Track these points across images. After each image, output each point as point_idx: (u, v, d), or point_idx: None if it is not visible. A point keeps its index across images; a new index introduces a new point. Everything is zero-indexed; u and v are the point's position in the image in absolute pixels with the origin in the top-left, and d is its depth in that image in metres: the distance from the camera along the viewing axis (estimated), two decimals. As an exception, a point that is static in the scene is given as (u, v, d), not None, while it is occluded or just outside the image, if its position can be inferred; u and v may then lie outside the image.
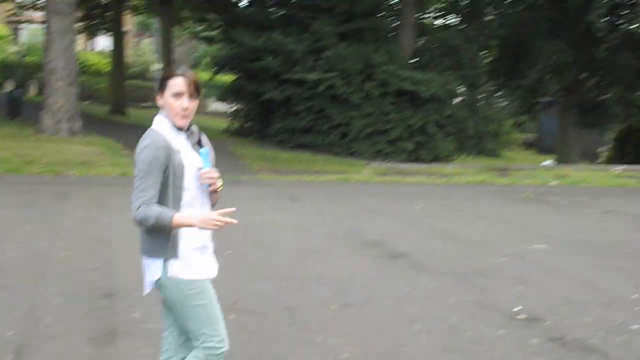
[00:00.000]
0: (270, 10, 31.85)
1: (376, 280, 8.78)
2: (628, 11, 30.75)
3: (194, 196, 4.01)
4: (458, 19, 37.22)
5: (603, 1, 28.98)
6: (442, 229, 12.52)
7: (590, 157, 37.38)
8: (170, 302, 4.05)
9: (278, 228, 12.06)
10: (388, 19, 33.44)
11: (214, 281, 4.17)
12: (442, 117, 29.66)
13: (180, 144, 4.01)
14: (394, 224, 12.97)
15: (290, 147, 28.67)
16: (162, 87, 4.01)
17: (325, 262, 9.61)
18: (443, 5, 37.41)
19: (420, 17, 34.85)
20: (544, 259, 10.32)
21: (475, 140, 32.39)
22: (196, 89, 3.99)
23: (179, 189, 3.96)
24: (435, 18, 38.38)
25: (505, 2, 34.21)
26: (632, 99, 33.26)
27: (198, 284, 4.02)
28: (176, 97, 3.97)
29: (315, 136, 29.03)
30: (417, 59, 31.61)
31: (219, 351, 4.03)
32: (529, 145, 47.66)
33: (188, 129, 4.08)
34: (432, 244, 11.15)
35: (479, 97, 33.87)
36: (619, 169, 26.21)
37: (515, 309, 7.67)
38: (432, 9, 37.62)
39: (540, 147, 45.99)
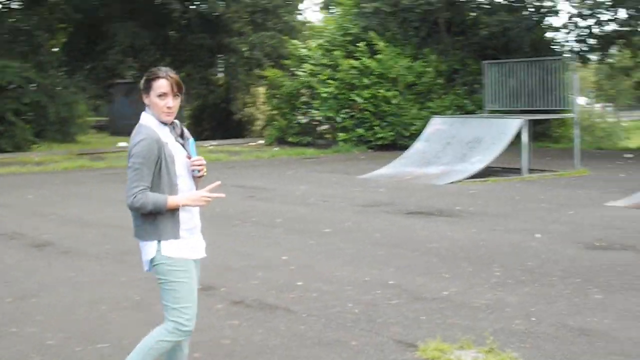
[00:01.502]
0: None
1: (37, 269, 8.55)
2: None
3: (186, 182, 4.39)
4: (21, 3, 35.84)
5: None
6: (70, 215, 12.36)
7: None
8: (161, 278, 4.36)
9: None
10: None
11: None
12: (20, 105, 28.63)
13: (166, 136, 4.34)
14: (19, 214, 12.52)
15: None
16: (147, 88, 4.32)
17: (-30, 259, 9.09)
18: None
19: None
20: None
21: (57, 126, 31.73)
22: (179, 89, 4.35)
23: (173, 176, 4.31)
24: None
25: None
26: (207, 76, 34.75)
27: (184, 263, 4.38)
28: (161, 98, 4.30)
29: None
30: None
31: (186, 328, 4.39)
32: (101, 129, 47.72)
33: (171, 123, 4.41)
34: (70, 231, 11.00)
35: (56, 82, 33.10)
36: (211, 144, 27.45)
37: (187, 281, 7.93)
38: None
39: (112, 129, 46.27)
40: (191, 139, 4.49)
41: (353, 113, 25.60)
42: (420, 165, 17.53)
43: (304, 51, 27.68)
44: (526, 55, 23.25)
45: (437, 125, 18.82)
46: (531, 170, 17.33)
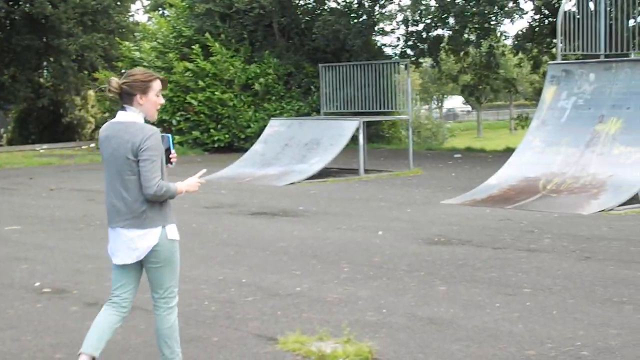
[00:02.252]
0: None
1: None
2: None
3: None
4: None
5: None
6: None
7: (-2, 139, 37.01)
8: (162, 261, 4.73)
9: None
10: None
11: None
12: None
13: None
14: None
15: None
16: (146, 88, 4.67)
17: None
18: None
19: None
20: (25, 239, 10.45)
21: None
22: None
23: (165, 167, 4.73)
24: None
25: None
26: (33, 79, 33.66)
27: (178, 244, 4.81)
28: (158, 96, 4.73)
29: None
30: None
31: (177, 298, 4.90)
32: None
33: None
34: None
35: None
36: (42, 148, 26.68)
37: (37, 284, 7.81)
38: None
39: None
40: (169, 135, 4.88)
41: (189, 116, 25.53)
42: (260, 167, 17.73)
43: (136, 53, 27.32)
44: (360, 58, 23.90)
45: (275, 127, 19.07)
46: (367, 171, 17.86)
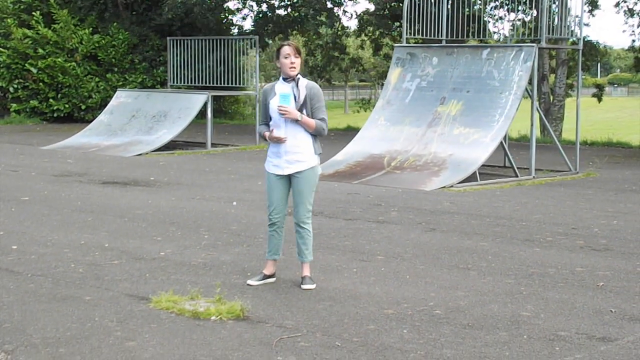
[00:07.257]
0: None
1: None
2: None
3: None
4: None
5: None
6: None
7: None
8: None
9: None
10: None
11: None
12: None
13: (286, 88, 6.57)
14: None
15: None
16: (277, 55, 6.55)
17: None
18: None
19: None
20: None
21: None
22: (298, 51, 6.50)
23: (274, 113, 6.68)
24: None
25: None
26: None
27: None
28: (286, 58, 6.47)
29: None
30: None
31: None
32: None
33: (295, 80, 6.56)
34: None
35: None
36: None
37: None
38: None
39: None
40: (287, 93, 6.45)
41: (27, 84, 24.84)
42: (106, 137, 17.60)
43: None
44: (209, 35, 23.90)
45: (121, 98, 18.95)
46: (214, 145, 18.05)
